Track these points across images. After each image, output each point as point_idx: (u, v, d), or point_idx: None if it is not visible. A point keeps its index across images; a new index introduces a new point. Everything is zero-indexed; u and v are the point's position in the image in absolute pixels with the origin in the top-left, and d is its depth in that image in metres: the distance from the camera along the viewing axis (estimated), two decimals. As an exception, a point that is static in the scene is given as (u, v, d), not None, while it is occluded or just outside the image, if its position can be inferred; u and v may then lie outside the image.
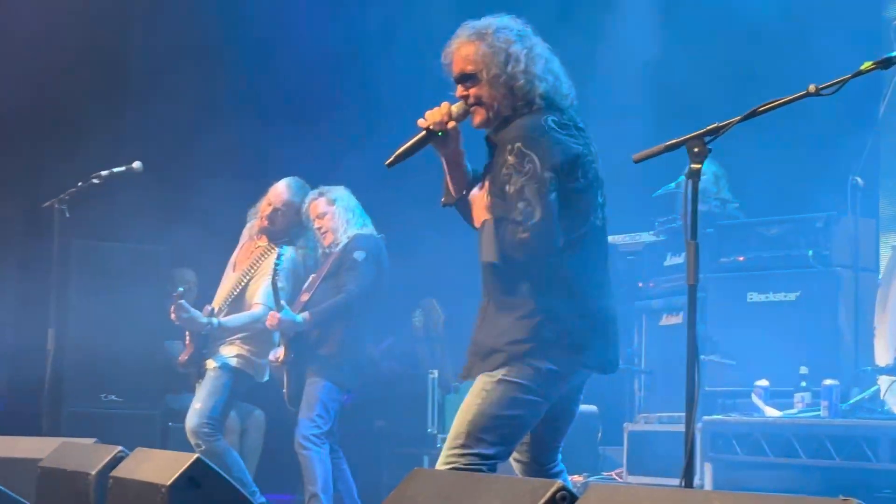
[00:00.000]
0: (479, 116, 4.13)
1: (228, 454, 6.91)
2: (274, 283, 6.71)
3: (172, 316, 6.92)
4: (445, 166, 4.19)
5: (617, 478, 7.48)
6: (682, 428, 6.85)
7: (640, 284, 7.83)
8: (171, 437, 8.45)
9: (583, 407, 8.21)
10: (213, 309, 7.05)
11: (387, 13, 9.49)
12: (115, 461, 5.05)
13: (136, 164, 7.44)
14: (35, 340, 7.93)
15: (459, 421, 4.02)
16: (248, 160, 9.02)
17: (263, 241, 7.14)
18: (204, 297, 8.83)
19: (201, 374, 7.04)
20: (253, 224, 7.26)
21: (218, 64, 9.59)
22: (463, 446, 3.97)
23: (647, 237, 7.91)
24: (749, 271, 7.20)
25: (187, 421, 6.88)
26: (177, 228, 8.95)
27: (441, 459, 4.01)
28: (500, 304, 4.08)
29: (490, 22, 4.14)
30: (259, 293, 6.97)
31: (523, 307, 4.01)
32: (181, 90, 9.36)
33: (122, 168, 7.45)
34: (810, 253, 6.99)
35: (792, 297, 6.97)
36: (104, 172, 7.39)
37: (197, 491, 4.21)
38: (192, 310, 6.92)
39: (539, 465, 4.28)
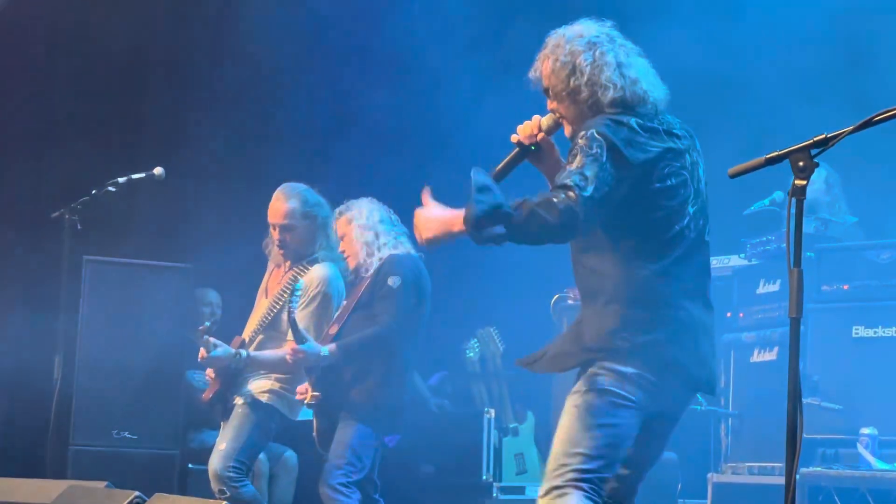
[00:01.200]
0: (566, 129, 4.53)
1: (257, 503, 6.92)
2: (291, 318, 6.68)
3: (202, 357, 6.94)
4: (549, 182, 4.54)
5: (699, 536, 7.46)
6: (775, 480, 6.86)
7: (729, 314, 7.78)
8: (191, 481, 8.48)
9: (660, 454, 8.25)
10: (243, 340, 7.07)
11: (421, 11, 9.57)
12: (132, 508, 5.10)
13: (158, 171, 7.49)
14: (39, 369, 7.98)
15: (555, 443, 4.31)
16: (280, 171, 9.08)
17: (290, 265, 7.15)
18: (228, 321, 8.89)
19: (227, 411, 7.06)
20: (273, 254, 7.25)
21: (249, 68, 9.67)
22: (561, 466, 4.24)
23: (736, 261, 7.88)
24: (855, 302, 7.15)
25: (210, 464, 6.88)
26: (201, 244, 9.00)
27: (544, 487, 4.26)
28: (584, 308, 4.47)
29: (564, 33, 4.53)
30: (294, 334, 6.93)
31: (602, 311, 4.37)
32: (207, 96, 9.44)
33: (142, 175, 7.51)
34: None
35: (905, 332, 6.93)
36: (121, 179, 7.45)
37: (225, 543, 4.24)
38: (221, 344, 6.94)
39: None
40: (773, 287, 7.51)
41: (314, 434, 6.95)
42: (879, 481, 6.37)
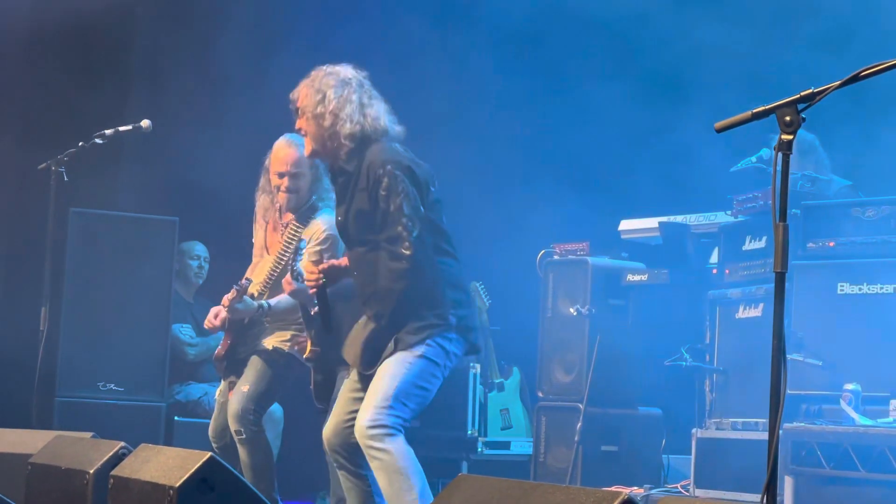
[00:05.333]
0: (307, 147, 5.76)
1: (269, 452, 6.90)
2: (294, 264, 6.63)
3: (225, 304, 6.86)
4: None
5: (683, 491, 7.47)
6: (758, 436, 6.88)
7: (715, 271, 7.78)
8: (176, 433, 8.50)
9: (645, 409, 8.30)
10: (252, 294, 7.02)
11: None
12: (117, 459, 5.09)
13: (145, 123, 7.47)
14: (26, 320, 7.99)
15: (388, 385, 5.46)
16: (268, 124, 9.05)
17: (289, 217, 7.09)
18: (216, 274, 8.88)
19: (231, 367, 7.04)
20: (266, 208, 7.18)
21: (238, 15, 9.60)
22: (391, 407, 5.45)
23: (722, 217, 7.87)
24: (840, 259, 7.13)
25: (231, 403, 6.83)
26: (189, 197, 8.98)
27: (370, 415, 5.41)
28: (407, 302, 5.52)
29: (325, 69, 5.68)
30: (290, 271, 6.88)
31: (432, 298, 5.52)
32: (193, 45, 9.38)
33: (129, 127, 7.49)
34: (911, 239, 6.94)
35: (889, 289, 6.90)
36: (108, 132, 7.44)
37: (210, 495, 4.23)
38: (247, 298, 6.89)
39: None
40: (760, 244, 7.50)
41: (311, 387, 6.96)
42: (862, 437, 6.39)
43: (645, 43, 9.41)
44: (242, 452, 6.77)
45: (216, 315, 7.01)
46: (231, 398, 6.87)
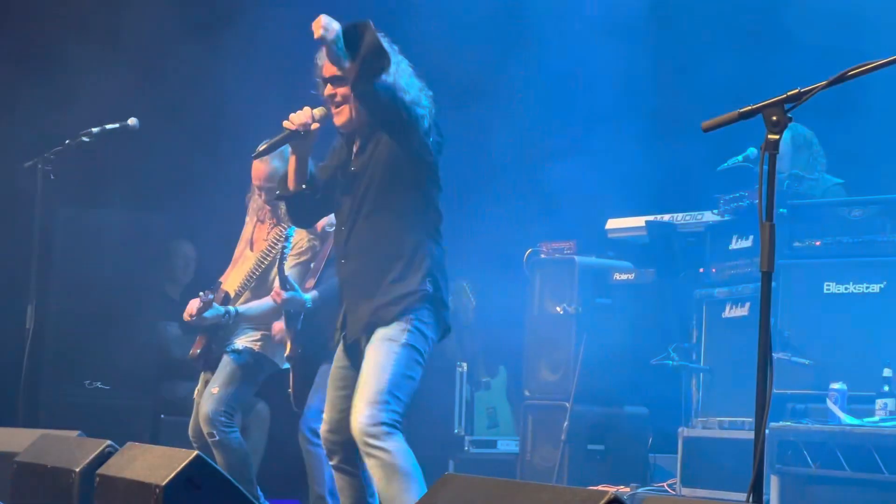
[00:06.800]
0: (343, 115, 5.32)
1: (243, 451, 6.90)
2: (281, 269, 6.67)
3: (193, 312, 6.88)
4: (295, 163, 5.40)
5: (669, 490, 7.48)
6: (745, 435, 6.89)
7: (701, 270, 7.79)
8: (163, 432, 8.49)
9: (631, 409, 8.30)
10: (226, 293, 7.03)
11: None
12: (103, 457, 5.09)
13: (132, 121, 7.45)
14: (12, 318, 7.96)
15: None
16: (257, 121, 9.03)
17: (274, 222, 7.10)
18: (203, 272, 8.85)
19: (209, 363, 7.04)
20: (257, 207, 7.19)
21: (223, 13, 9.59)
22: (385, 402, 5.24)
23: (709, 216, 7.87)
24: (826, 258, 7.15)
25: (202, 406, 6.84)
26: (175, 195, 8.97)
27: (366, 412, 5.18)
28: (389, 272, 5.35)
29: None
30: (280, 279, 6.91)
31: (414, 261, 5.36)
32: (180, 38, 9.35)
33: (116, 125, 7.47)
34: (898, 239, 6.95)
35: (875, 288, 6.92)
36: (95, 129, 7.41)
37: (196, 493, 4.23)
38: (215, 304, 6.90)
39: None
40: (746, 243, 7.51)
41: (289, 390, 6.95)
42: (848, 436, 6.40)
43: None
44: (217, 454, 6.76)
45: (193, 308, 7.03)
46: (202, 401, 6.88)
